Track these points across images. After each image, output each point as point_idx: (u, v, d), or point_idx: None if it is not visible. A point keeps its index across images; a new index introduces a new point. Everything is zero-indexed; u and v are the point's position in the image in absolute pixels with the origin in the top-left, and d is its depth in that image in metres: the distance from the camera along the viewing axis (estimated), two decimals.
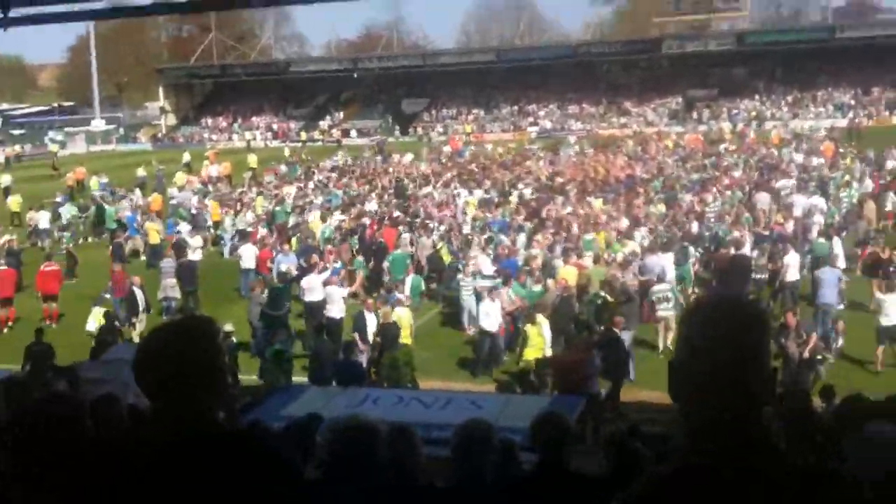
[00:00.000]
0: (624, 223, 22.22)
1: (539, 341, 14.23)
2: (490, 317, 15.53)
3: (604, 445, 6.18)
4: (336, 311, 16.81)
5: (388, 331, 14.54)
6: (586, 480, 4.90)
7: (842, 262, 17.54)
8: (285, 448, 4.39)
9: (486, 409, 8.96)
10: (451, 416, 7.69)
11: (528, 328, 14.54)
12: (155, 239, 25.25)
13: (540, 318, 14.57)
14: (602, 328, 14.47)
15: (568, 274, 17.11)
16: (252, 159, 44.99)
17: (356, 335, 15.06)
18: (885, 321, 14.79)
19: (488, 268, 18.06)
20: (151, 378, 2.39)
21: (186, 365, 2.35)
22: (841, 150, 34.89)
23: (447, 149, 46.97)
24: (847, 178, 27.47)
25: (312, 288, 17.51)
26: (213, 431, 2.41)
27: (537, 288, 16.84)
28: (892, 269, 17.16)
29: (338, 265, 19.85)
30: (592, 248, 19.47)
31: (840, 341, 15.34)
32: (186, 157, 48.34)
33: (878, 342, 14.88)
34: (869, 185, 26.57)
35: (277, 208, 28.29)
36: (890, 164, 30.11)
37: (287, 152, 50.02)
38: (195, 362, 2.37)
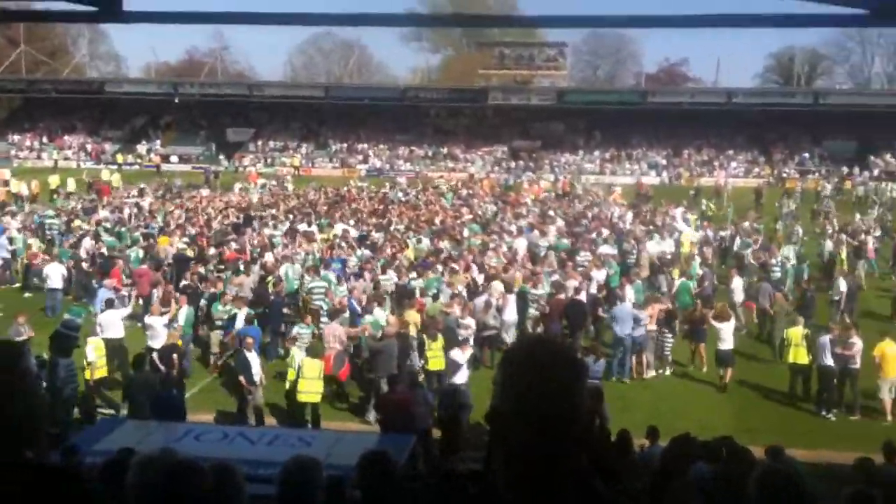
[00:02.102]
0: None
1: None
2: None
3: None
4: (157, 342, 15.85)
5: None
6: None
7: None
8: (96, 487, 3.81)
9: (315, 447, 8.56)
10: (278, 453, 7.39)
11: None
12: None
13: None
14: None
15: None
16: (53, 179, 43.20)
17: (241, 378, 14.46)
18: (722, 345, 17.21)
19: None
20: None
21: None
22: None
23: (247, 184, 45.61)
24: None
25: (111, 323, 16.48)
26: (17, 467, 2.11)
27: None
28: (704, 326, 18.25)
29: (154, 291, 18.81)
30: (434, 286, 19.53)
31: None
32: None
33: (718, 365, 17.27)
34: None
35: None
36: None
37: (106, 175, 47.41)
38: None
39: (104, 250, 23.61)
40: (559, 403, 1.91)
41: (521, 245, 25.42)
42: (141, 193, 37.96)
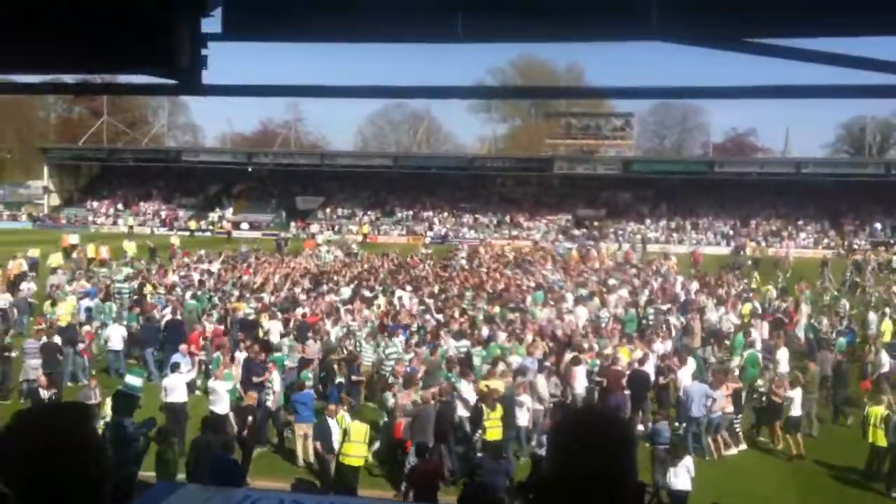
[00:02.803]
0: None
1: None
2: None
3: None
4: (221, 406, 15.87)
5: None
6: None
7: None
8: None
9: None
10: None
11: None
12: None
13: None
14: None
15: None
16: (128, 245, 43.65)
17: (318, 444, 14.38)
18: (791, 412, 17.07)
19: None
20: (11, 470, 2.05)
21: (50, 457, 2.05)
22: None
23: (307, 251, 46.01)
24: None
25: (174, 388, 16.53)
26: None
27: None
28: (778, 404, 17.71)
29: (216, 356, 18.94)
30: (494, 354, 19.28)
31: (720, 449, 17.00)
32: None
33: (786, 432, 17.03)
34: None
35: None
36: None
37: (176, 241, 48.47)
38: (60, 454, 2.07)
39: (178, 315, 23.84)
40: (606, 468, 1.89)
41: (581, 314, 25.10)
42: (208, 259, 38.47)
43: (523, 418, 16.01)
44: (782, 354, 20.87)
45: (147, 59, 3.16)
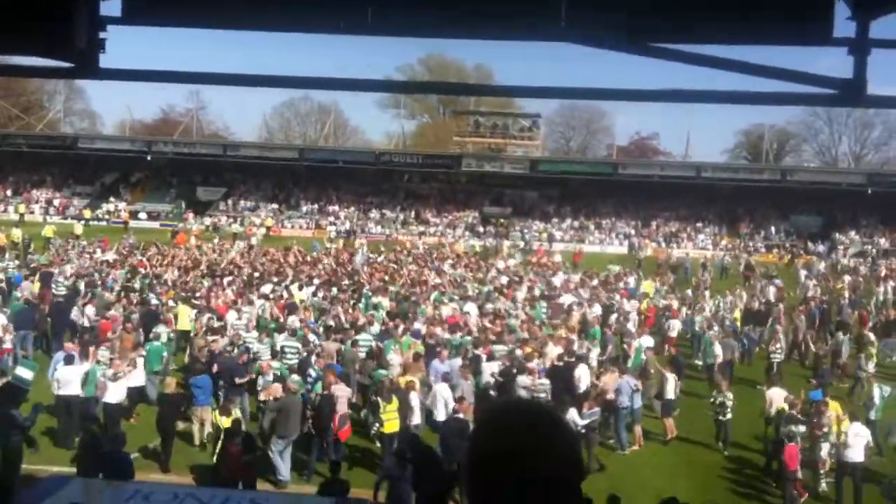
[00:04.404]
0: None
1: None
2: None
3: None
4: (113, 396, 15.47)
5: None
6: None
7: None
8: None
9: None
10: None
11: None
12: None
13: None
14: None
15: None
16: (15, 233, 43.42)
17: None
18: (668, 395, 18.05)
19: None
20: None
21: None
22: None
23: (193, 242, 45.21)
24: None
25: (68, 381, 15.99)
26: None
27: None
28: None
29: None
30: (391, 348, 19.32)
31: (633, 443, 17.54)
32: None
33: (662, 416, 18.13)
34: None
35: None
36: None
37: (78, 229, 47.31)
38: None
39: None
40: (516, 448, 1.86)
41: (471, 309, 25.10)
42: (98, 248, 37.60)
43: (414, 417, 15.78)
44: (646, 341, 21.98)
45: (42, 40, 3.04)
